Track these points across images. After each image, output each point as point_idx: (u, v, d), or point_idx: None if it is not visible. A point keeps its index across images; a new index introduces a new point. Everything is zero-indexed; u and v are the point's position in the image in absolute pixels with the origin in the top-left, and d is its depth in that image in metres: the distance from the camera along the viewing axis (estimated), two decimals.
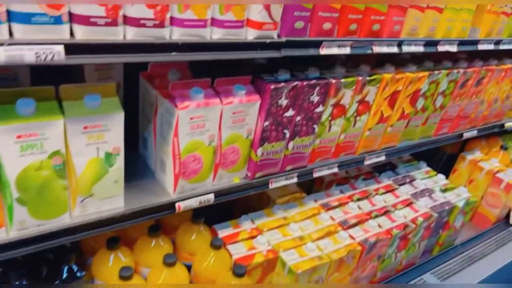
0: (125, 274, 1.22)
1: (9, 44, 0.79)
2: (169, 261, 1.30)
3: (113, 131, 1.08)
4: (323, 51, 1.32)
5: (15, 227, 1.03)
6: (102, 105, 1.05)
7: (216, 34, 1.09)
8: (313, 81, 1.38)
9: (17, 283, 1.17)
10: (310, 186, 2.14)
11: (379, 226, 1.77)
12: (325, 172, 1.69)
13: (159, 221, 1.53)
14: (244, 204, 1.86)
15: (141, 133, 1.45)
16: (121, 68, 1.46)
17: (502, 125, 2.46)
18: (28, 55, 0.82)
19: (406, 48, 1.56)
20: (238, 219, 1.67)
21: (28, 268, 1.23)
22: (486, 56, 2.11)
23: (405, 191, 2.08)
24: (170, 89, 1.19)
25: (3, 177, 0.96)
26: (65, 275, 1.26)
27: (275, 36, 1.19)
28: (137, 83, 1.40)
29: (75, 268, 1.27)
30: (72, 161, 1.06)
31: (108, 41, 0.92)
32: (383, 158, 1.87)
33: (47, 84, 1.04)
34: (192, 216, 1.54)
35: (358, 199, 1.94)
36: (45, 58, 0.83)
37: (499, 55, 2.17)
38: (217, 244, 1.41)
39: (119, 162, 1.14)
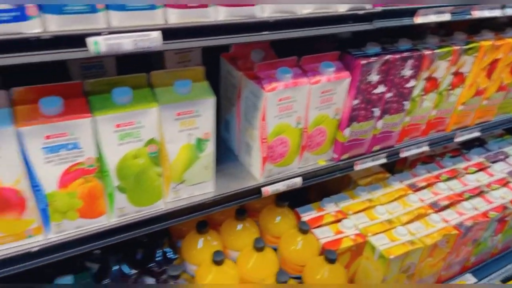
0: (218, 259, 1.22)
1: (109, 33, 0.78)
2: (258, 246, 1.28)
3: (204, 117, 1.06)
4: (418, 19, 1.20)
5: (115, 213, 1.05)
6: (192, 90, 1.03)
7: (307, 9, 1.01)
8: (406, 54, 1.27)
9: (116, 267, 1.21)
10: (391, 165, 2.02)
11: (475, 208, 1.64)
12: (413, 152, 1.57)
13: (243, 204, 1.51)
14: (320, 185, 1.80)
15: (223, 116, 1.42)
16: (200, 50, 1.43)
17: None
18: (127, 43, 0.80)
19: (510, 11, 1.38)
20: (321, 201, 1.62)
21: (124, 252, 1.27)
22: None
23: (499, 169, 1.90)
24: (256, 70, 1.14)
25: (104, 166, 0.97)
26: (159, 258, 1.29)
27: (368, 6, 1.09)
28: (216, 64, 1.36)
29: (168, 251, 1.30)
30: (166, 148, 1.05)
31: (201, 23, 0.88)
32: (476, 134, 1.71)
33: (131, 70, 1.04)
34: (276, 199, 1.51)
35: (447, 179, 1.80)
36: (143, 45, 0.81)
37: None
38: (304, 229, 1.37)
39: (210, 147, 1.12)
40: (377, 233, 1.47)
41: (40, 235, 0.97)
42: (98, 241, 1.05)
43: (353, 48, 1.27)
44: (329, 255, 1.28)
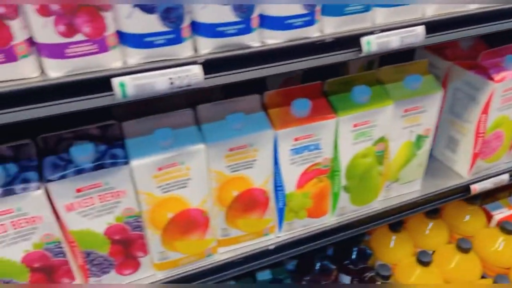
0: (426, 259, 1.17)
1: (381, 31, 0.75)
2: (464, 247, 1.21)
3: (428, 112, 1.00)
4: None
5: (336, 213, 1.04)
6: (421, 85, 0.98)
7: None
8: None
9: (318, 263, 1.22)
10: None
11: None
12: None
13: None
14: None
15: None
16: None
17: None
18: (394, 40, 0.77)
19: None
20: (509, 198, 1.49)
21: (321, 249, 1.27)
22: None
23: None
24: (480, 59, 1.05)
25: (336, 166, 0.96)
26: (355, 255, 1.28)
27: None
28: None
29: (365, 248, 1.28)
30: (388, 146, 1.02)
31: (457, 14, 0.82)
32: None
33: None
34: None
35: None
36: (408, 41, 0.78)
37: None
38: (509, 229, 1.26)
39: (427, 144, 1.06)
40: None
41: (273, 233, 1.00)
42: (319, 240, 1.05)
43: None
44: None
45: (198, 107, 0.83)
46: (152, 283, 0.90)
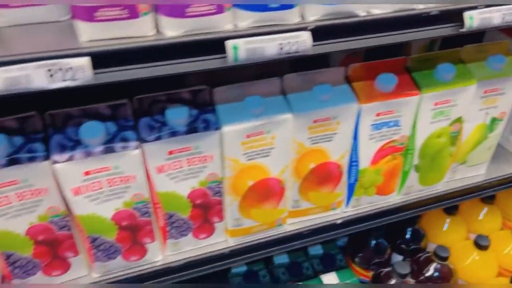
0: (483, 243, 1.17)
1: (485, 6, 0.73)
2: None
3: (507, 95, 0.98)
4: None
5: (402, 192, 1.04)
6: (505, 66, 0.95)
7: None
8: None
9: (374, 242, 1.23)
10: None
11: None
12: None
13: None
14: None
15: None
16: None
17: None
18: (497, 17, 0.74)
19: None
20: None
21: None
22: None
23: None
24: None
25: (411, 144, 0.95)
26: (409, 235, 1.28)
27: None
28: None
29: (418, 229, 1.28)
30: (462, 128, 1.00)
31: None
32: None
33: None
34: None
35: None
36: (509, 19, 0.75)
37: None
38: None
39: (500, 128, 1.05)
40: None
41: (340, 208, 1.00)
42: (383, 218, 1.06)
43: None
44: None
45: (284, 77, 0.82)
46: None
